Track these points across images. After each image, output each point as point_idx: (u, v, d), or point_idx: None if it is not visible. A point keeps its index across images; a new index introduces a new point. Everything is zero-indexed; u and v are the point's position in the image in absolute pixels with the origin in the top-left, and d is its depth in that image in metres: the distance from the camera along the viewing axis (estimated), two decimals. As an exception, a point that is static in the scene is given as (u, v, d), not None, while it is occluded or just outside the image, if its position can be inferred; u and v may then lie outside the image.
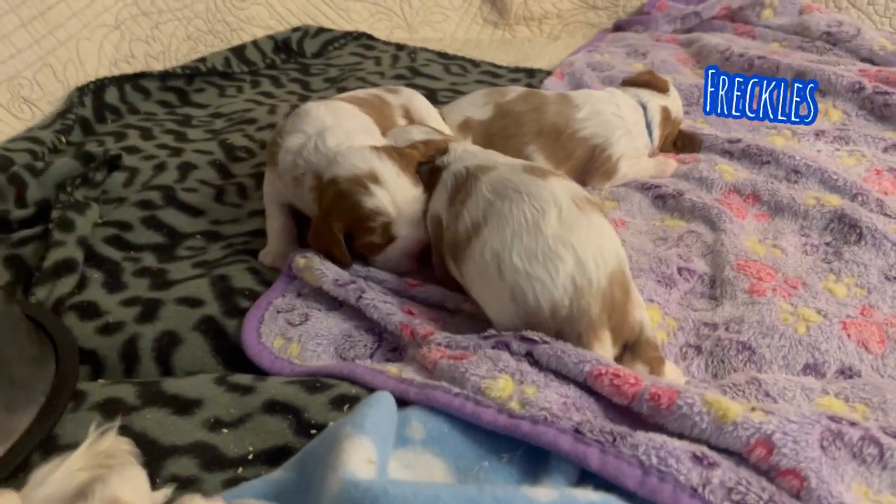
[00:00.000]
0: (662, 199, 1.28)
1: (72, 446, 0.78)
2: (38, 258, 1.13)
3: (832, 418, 0.70)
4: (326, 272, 1.01)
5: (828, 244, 1.14)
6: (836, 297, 1.02)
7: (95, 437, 0.69)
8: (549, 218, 0.87)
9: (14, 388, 0.86)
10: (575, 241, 0.85)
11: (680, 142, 1.45)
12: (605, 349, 0.83)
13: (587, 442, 0.68)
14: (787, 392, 0.80)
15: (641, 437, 0.67)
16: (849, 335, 0.93)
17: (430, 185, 1.06)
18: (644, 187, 1.32)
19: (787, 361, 0.90)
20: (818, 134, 1.48)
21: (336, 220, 1.03)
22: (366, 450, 0.64)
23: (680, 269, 1.08)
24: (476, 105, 1.30)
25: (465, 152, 1.08)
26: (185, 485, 0.73)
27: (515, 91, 1.33)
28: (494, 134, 1.24)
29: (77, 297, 1.07)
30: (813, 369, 0.89)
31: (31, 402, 0.85)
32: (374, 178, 1.02)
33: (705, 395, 0.71)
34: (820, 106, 1.59)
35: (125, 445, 0.72)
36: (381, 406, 0.71)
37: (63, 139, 1.57)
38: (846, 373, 0.89)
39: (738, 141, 1.42)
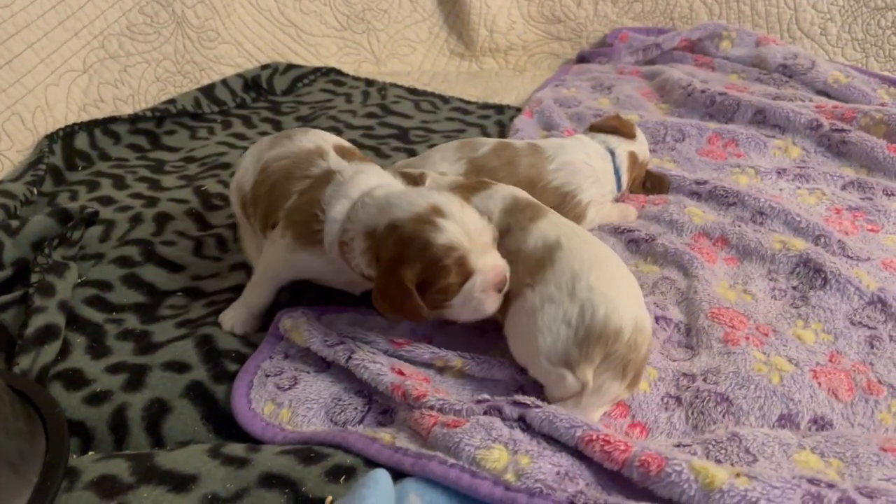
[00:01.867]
0: (636, 244, 1.32)
1: (68, 530, 0.79)
2: (20, 324, 1.12)
3: (812, 481, 0.74)
4: (314, 333, 1.02)
5: (794, 288, 1.19)
6: (805, 343, 1.06)
7: None
8: (617, 262, 1.01)
9: (5, 468, 0.85)
10: (635, 290, 0.98)
11: (649, 183, 1.50)
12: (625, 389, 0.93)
13: (583, 514, 0.70)
14: (766, 448, 0.84)
15: (634, 508, 0.70)
16: (819, 384, 0.98)
17: None
18: (617, 231, 1.36)
19: (764, 412, 0.94)
20: (780, 172, 1.54)
21: (406, 269, 0.92)
22: (369, 535, 0.66)
23: (657, 318, 1.11)
24: (448, 160, 1.33)
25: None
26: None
27: (486, 144, 1.36)
28: (469, 189, 1.27)
29: (62, 364, 1.06)
30: (788, 419, 0.93)
31: (23, 482, 0.85)
32: (439, 212, 0.93)
33: (693, 462, 0.74)
34: (780, 143, 1.66)
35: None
36: (378, 486, 0.72)
37: (35, 191, 1.56)
38: (819, 422, 0.93)
39: (705, 182, 1.47)
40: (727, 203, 1.42)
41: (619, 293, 0.92)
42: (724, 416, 0.94)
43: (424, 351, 1.02)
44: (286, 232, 1.07)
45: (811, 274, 1.19)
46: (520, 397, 0.87)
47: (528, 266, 0.98)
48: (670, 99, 1.98)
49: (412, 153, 1.72)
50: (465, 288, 0.94)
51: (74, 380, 1.03)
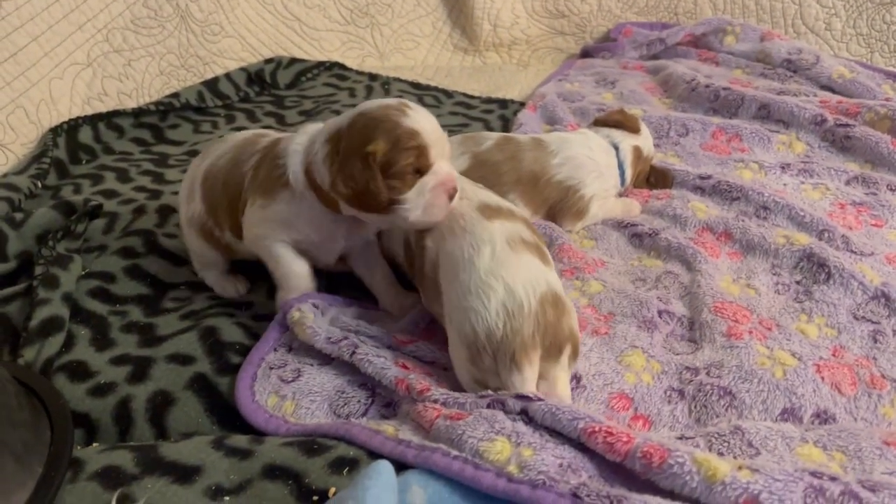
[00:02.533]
0: (639, 238, 1.32)
1: (73, 520, 0.79)
2: (24, 317, 1.12)
3: (814, 474, 0.74)
4: (318, 330, 1.02)
5: (798, 283, 1.19)
6: (808, 338, 1.06)
7: None
8: (482, 255, 0.95)
9: (9, 459, 0.86)
10: (504, 273, 0.93)
11: (653, 177, 1.50)
12: (533, 370, 0.91)
13: (585, 506, 0.71)
14: (769, 441, 0.84)
15: (636, 500, 0.70)
16: (822, 378, 0.98)
17: None
18: (621, 225, 1.36)
19: (767, 406, 0.94)
20: (784, 167, 1.54)
21: (370, 146, 0.96)
22: (371, 526, 0.67)
23: (660, 312, 1.11)
24: (452, 155, 1.32)
25: None
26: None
27: (490, 139, 1.36)
28: (473, 184, 1.27)
29: (66, 356, 1.07)
30: (791, 413, 0.93)
31: (28, 474, 0.85)
32: (407, 106, 1.00)
33: (695, 455, 0.74)
34: (784, 138, 1.65)
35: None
36: (381, 477, 0.72)
37: (39, 184, 1.56)
38: (822, 416, 0.93)
39: (709, 177, 1.46)
40: (731, 198, 1.42)
41: (479, 293, 0.91)
42: (726, 410, 0.94)
43: (427, 352, 1.02)
44: (254, 197, 1.09)
45: (815, 268, 1.19)
46: (522, 391, 0.87)
47: (433, 292, 1.03)
48: (674, 94, 1.97)
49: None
50: (420, 181, 0.99)
51: (79, 372, 1.04)
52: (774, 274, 1.21)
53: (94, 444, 0.95)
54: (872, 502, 0.71)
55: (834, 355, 1.03)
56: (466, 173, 1.31)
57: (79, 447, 0.94)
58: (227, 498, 0.82)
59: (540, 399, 0.85)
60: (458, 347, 0.94)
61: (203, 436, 0.94)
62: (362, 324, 1.07)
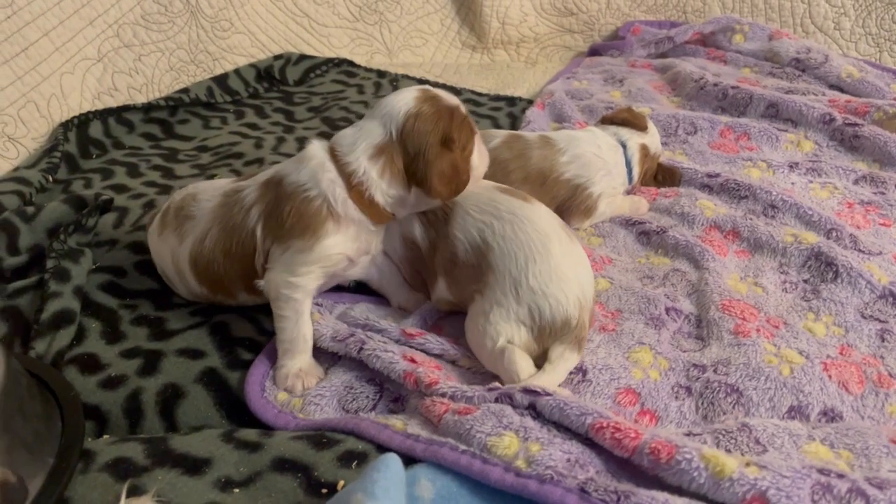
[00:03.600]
0: (647, 236, 1.33)
1: (85, 511, 0.80)
2: (35, 310, 1.13)
3: (822, 471, 0.74)
4: (323, 331, 1.03)
5: (806, 281, 1.19)
6: (816, 336, 1.07)
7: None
8: (554, 243, 1.01)
9: (22, 450, 0.87)
10: (576, 265, 1.02)
11: (660, 175, 1.50)
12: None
13: (592, 501, 0.71)
14: (776, 439, 0.85)
15: (644, 496, 0.71)
16: (830, 376, 0.98)
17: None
18: (628, 223, 1.36)
19: (773, 404, 0.94)
20: (792, 166, 1.54)
21: (449, 135, 1.00)
22: (379, 519, 0.67)
23: (668, 309, 1.12)
24: (460, 154, 1.33)
25: None
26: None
27: (498, 136, 1.36)
28: (480, 182, 1.27)
29: (77, 349, 1.08)
30: (797, 411, 0.93)
31: (39, 464, 0.86)
32: (430, 90, 1.04)
33: (703, 451, 0.75)
34: (792, 137, 1.65)
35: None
36: (389, 470, 0.73)
37: (50, 178, 1.57)
38: (829, 414, 0.94)
39: (717, 175, 1.47)
40: (739, 196, 1.42)
41: (559, 284, 0.98)
42: (733, 407, 0.94)
43: (435, 346, 1.03)
44: (288, 242, 1.00)
45: (823, 267, 1.19)
46: (530, 385, 0.88)
47: (469, 275, 1.05)
48: (682, 92, 1.97)
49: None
50: (477, 147, 1.07)
51: (89, 364, 1.05)
52: (782, 272, 1.21)
53: (105, 437, 0.96)
54: (880, 499, 0.72)
55: (841, 354, 1.03)
56: (474, 171, 1.32)
57: (90, 439, 0.95)
58: (236, 490, 0.83)
59: (548, 394, 0.86)
60: (518, 322, 0.98)
61: (213, 429, 0.95)
62: (371, 317, 1.07)
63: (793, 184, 1.49)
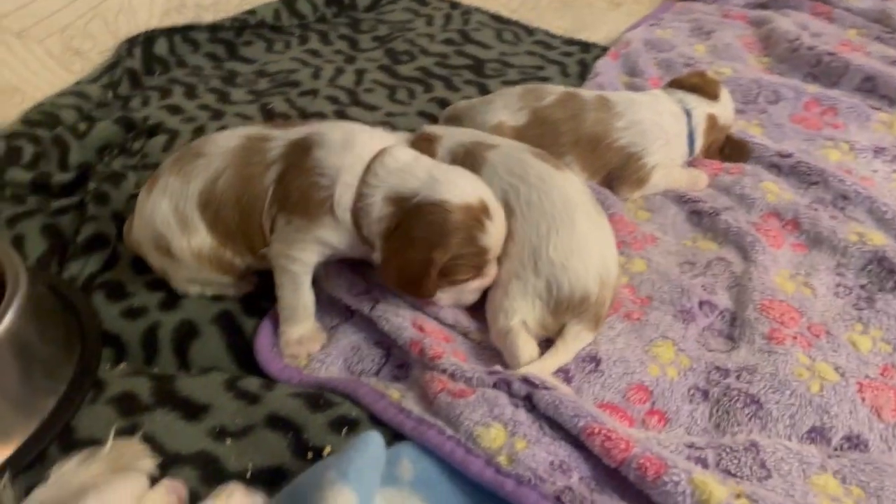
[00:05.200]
0: (698, 216, 1.24)
1: (86, 441, 0.84)
2: (74, 230, 1.16)
3: (818, 514, 0.69)
4: (341, 282, 1.02)
5: (862, 287, 1.09)
6: (858, 351, 0.99)
7: (114, 444, 0.74)
8: (580, 214, 0.99)
9: (38, 372, 0.91)
10: (600, 241, 1.00)
11: (727, 149, 1.39)
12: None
13: (566, 512, 0.69)
14: (784, 464, 0.80)
15: (619, 515, 0.68)
16: (863, 399, 0.91)
17: None
18: (681, 199, 1.28)
19: (794, 421, 0.88)
20: (877, 151, 1.40)
21: (439, 254, 0.90)
22: (346, 500, 0.67)
23: (701, 303, 1.05)
24: (511, 109, 1.26)
25: (448, 131, 1.15)
26: (186, 499, 0.76)
27: (553, 94, 1.28)
28: (529, 142, 1.19)
29: (107, 275, 1.11)
30: (819, 433, 0.87)
31: (53, 390, 0.90)
32: (487, 212, 0.93)
33: (693, 475, 0.71)
34: (885, 117, 1.50)
35: (141, 451, 0.77)
36: (367, 450, 0.72)
37: (110, 94, 1.59)
38: (853, 440, 0.87)
39: (790, 155, 1.35)
40: (809, 182, 1.30)
41: (580, 257, 0.95)
42: (750, 420, 0.89)
43: (449, 315, 1.01)
44: (290, 216, 0.96)
45: (884, 274, 1.09)
46: (531, 376, 0.85)
47: None
48: (773, 52, 1.81)
49: (484, 89, 1.66)
50: (466, 285, 0.98)
51: (116, 291, 1.07)
52: (838, 274, 1.12)
53: (121, 366, 0.99)
54: (876, 554, 0.67)
55: (882, 374, 0.95)
56: (523, 129, 1.26)
57: (107, 366, 0.98)
58: (228, 441, 0.85)
59: (546, 388, 0.83)
60: (535, 296, 0.95)
61: (219, 373, 0.96)
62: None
63: (874, 171, 1.36)
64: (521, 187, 1.01)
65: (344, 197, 0.94)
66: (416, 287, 0.94)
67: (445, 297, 0.99)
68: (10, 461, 0.81)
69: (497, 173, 1.04)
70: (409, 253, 0.92)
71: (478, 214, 0.92)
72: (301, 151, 0.97)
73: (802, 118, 1.53)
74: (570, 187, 1.02)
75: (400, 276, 0.94)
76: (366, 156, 0.95)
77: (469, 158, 1.06)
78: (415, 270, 0.92)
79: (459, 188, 0.93)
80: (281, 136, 1.00)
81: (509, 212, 1.00)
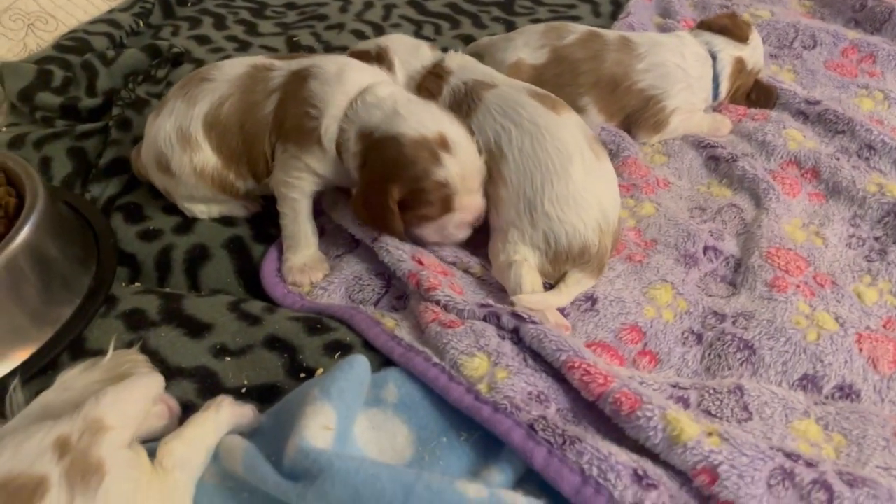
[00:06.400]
0: (715, 161, 1.22)
1: (96, 352, 0.89)
2: (97, 154, 1.20)
3: (789, 455, 0.70)
4: (347, 212, 1.04)
5: (877, 239, 1.07)
6: (863, 302, 0.97)
7: (115, 354, 0.78)
8: (575, 164, 0.95)
9: (57, 284, 0.95)
10: (597, 188, 0.96)
11: (754, 94, 1.35)
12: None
13: (537, 440, 0.71)
14: (767, 408, 0.80)
15: (590, 444, 0.70)
16: (861, 349, 0.90)
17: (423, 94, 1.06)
18: (700, 145, 1.26)
19: (786, 368, 0.88)
20: (913, 101, 1.35)
21: (393, 187, 0.91)
22: (325, 416, 0.70)
23: (706, 248, 1.04)
24: (531, 47, 1.24)
25: (462, 66, 1.11)
26: (183, 409, 0.81)
27: (574, 32, 1.25)
28: (547, 81, 1.19)
29: (127, 197, 1.15)
30: (811, 381, 0.87)
31: (69, 301, 0.95)
32: (445, 145, 0.92)
33: (666, 412, 0.72)
34: (927, 65, 1.43)
35: (141, 361, 0.81)
36: (352, 371, 0.75)
37: (141, 23, 1.62)
38: (845, 390, 0.86)
39: (818, 103, 1.30)
40: (835, 130, 1.26)
41: (577, 210, 0.94)
42: (741, 364, 0.89)
43: (449, 253, 1.02)
44: (285, 144, 0.99)
45: (901, 227, 1.07)
46: (520, 310, 0.86)
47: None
48: (820, -10, 1.73)
49: (511, 27, 1.63)
50: (440, 220, 0.96)
51: (134, 214, 1.11)
52: (853, 225, 1.10)
53: (136, 284, 1.04)
54: (845, 497, 0.67)
55: (885, 326, 0.94)
56: (543, 68, 1.24)
57: (123, 284, 1.03)
58: (227, 358, 0.88)
59: (534, 322, 0.84)
60: (532, 247, 0.95)
61: (225, 295, 1.00)
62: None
63: (908, 122, 1.31)
64: (514, 131, 0.98)
65: (330, 129, 0.96)
66: (381, 222, 0.96)
67: (428, 234, 0.99)
68: (24, 366, 0.86)
69: (491, 114, 1.01)
70: (368, 189, 0.94)
71: (433, 147, 0.91)
72: (298, 81, 0.99)
73: (838, 65, 1.47)
74: (564, 132, 0.98)
75: (366, 211, 0.96)
76: (352, 91, 0.97)
77: (467, 98, 1.05)
78: (376, 207, 0.94)
79: (416, 121, 0.92)
80: (283, 67, 1.03)
81: (500, 155, 0.98)
